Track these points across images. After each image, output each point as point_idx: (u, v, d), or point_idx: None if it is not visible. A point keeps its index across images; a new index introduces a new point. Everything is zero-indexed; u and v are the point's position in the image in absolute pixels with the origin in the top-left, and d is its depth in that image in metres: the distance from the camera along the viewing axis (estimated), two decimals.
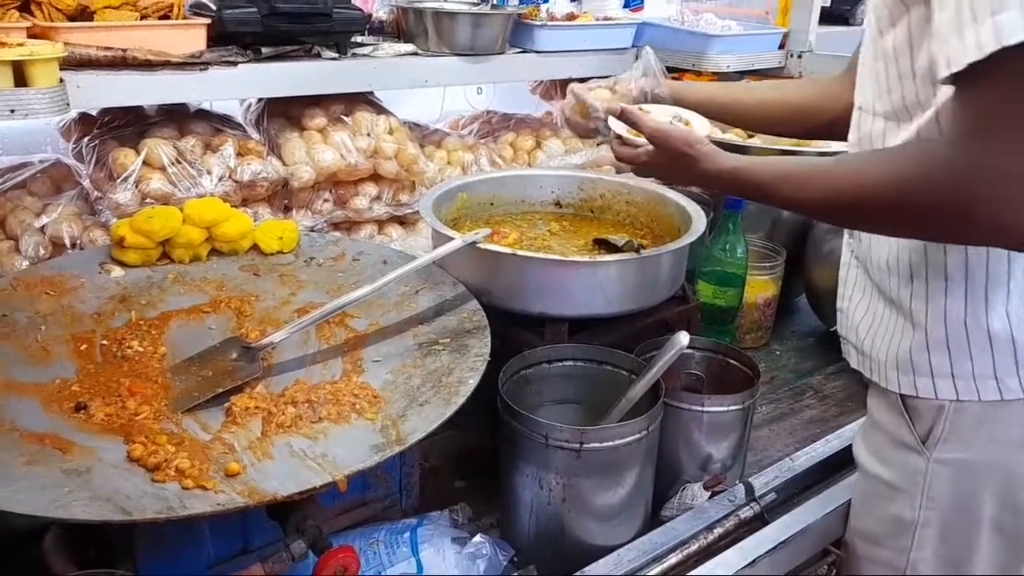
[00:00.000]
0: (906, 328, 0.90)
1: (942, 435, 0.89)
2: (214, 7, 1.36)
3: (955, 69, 0.67)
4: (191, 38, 1.32)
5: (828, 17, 1.87)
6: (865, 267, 0.97)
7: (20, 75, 1.06)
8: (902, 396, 0.92)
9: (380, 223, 1.62)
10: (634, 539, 1.02)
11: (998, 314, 0.85)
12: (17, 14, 1.22)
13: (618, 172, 1.31)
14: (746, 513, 1.06)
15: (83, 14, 1.28)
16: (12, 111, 1.04)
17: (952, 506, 0.92)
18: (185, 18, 1.35)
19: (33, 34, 1.19)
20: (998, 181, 0.68)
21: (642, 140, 1.06)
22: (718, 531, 1.03)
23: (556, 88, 2.10)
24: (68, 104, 1.14)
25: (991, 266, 0.84)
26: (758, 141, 1.74)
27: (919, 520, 0.93)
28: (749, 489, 1.09)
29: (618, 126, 1.11)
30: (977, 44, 0.65)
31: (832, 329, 1.09)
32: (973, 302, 0.86)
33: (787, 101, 1.21)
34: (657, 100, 1.27)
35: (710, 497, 1.09)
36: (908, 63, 0.82)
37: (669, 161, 1.01)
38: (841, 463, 1.22)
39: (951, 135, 0.72)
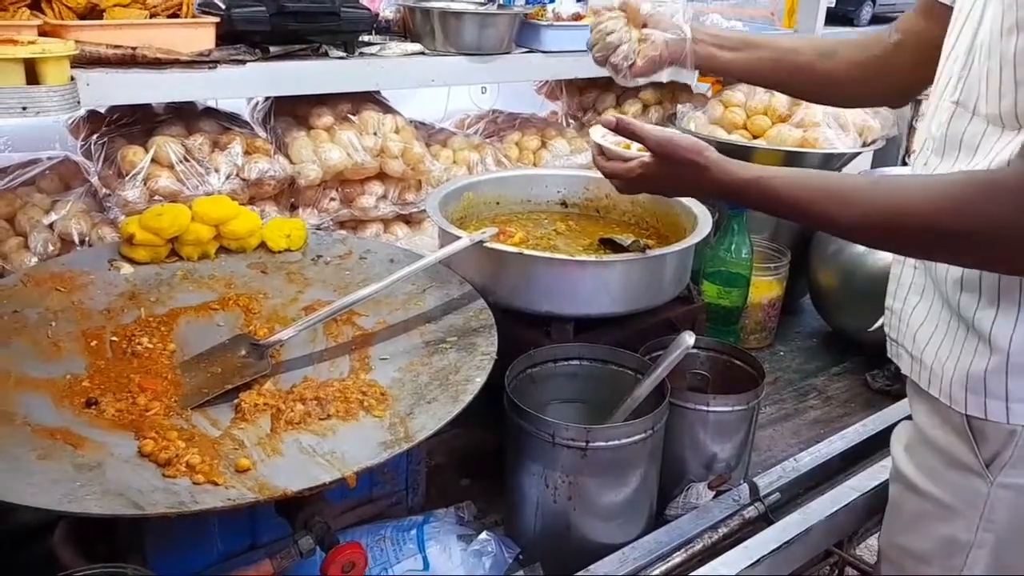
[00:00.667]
0: (981, 348, 0.86)
1: (1010, 460, 0.86)
2: (223, 6, 1.37)
3: None
4: (200, 36, 1.32)
5: (833, 18, 1.88)
6: (931, 277, 0.92)
7: (31, 73, 1.07)
8: (968, 417, 0.88)
9: (386, 222, 1.63)
10: (639, 538, 1.03)
11: None
12: (28, 12, 1.23)
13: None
14: (750, 513, 1.07)
15: (93, 12, 1.28)
16: (24, 108, 1.05)
17: (1010, 528, 0.89)
18: (194, 17, 1.35)
19: (44, 32, 1.20)
20: None
21: (631, 153, 1.00)
22: (722, 530, 1.04)
23: (561, 88, 2.10)
24: (78, 102, 1.14)
25: None
26: (763, 143, 1.75)
27: (975, 542, 0.90)
28: (753, 489, 1.09)
29: (599, 137, 1.04)
30: None
31: (873, 329, 1.01)
32: None
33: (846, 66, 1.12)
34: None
35: (715, 496, 1.09)
36: None
37: (673, 172, 0.96)
38: (844, 464, 1.23)
39: (1020, 163, 0.72)
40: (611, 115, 1.01)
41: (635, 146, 1.01)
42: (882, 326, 1.02)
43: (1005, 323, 0.84)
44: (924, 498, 0.94)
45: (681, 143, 0.95)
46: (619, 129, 0.99)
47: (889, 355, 1.00)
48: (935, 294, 0.91)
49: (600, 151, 1.04)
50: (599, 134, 1.04)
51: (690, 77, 1.36)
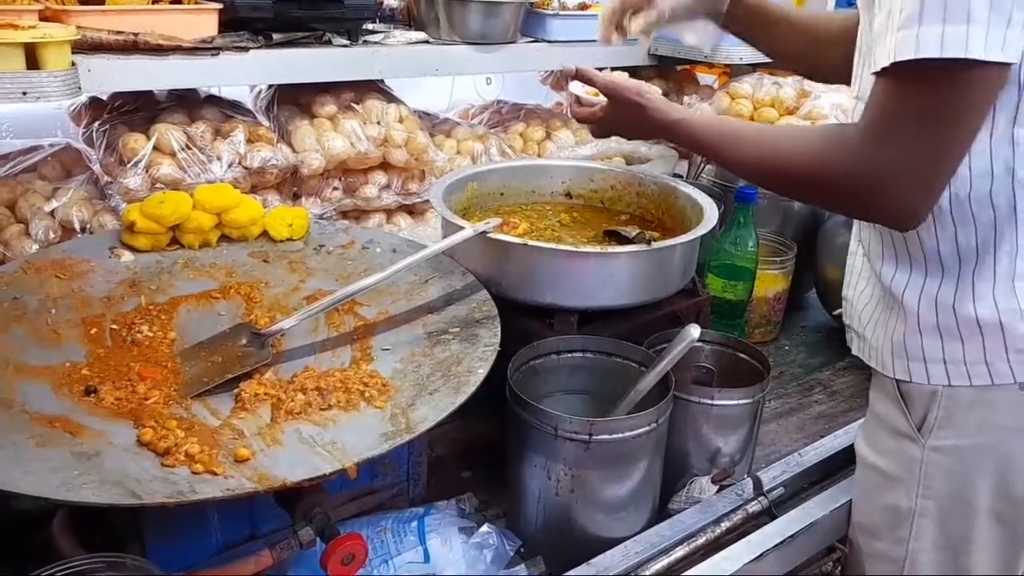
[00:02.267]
0: (900, 313, 0.92)
1: (936, 421, 0.90)
2: None
3: (874, 69, 0.77)
4: (202, 23, 1.31)
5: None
6: (866, 257, 0.99)
7: (32, 58, 1.06)
8: (897, 382, 0.93)
9: (389, 212, 1.62)
10: (641, 531, 1.02)
11: (986, 299, 0.86)
12: None
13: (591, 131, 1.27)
14: (754, 507, 1.06)
15: None
16: (24, 94, 1.04)
17: (948, 494, 0.92)
18: (197, 3, 1.34)
19: (45, 17, 1.19)
20: (885, 175, 0.78)
21: (600, 100, 1.11)
22: (725, 525, 1.03)
23: (566, 78, 2.08)
24: (79, 88, 1.13)
25: (978, 252, 0.86)
26: None
27: (916, 509, 0.94)
28: (757, 483, 1.09)
29: (576, 88, 1.16)
30: (886, 53, 0.74)
31: (836, 313, 1.10)
32: (961, 288, 0.87)
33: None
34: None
35: (718, 491, 1.08)
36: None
37: (621, 112, 1.07)
38: (849, 459, 1.21)
39: (860, 126, 0.80)
40: (571, 64, 1.14)
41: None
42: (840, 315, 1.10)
43: (913, 288, 0.91)
44: (870, 470, 1.00)
45: (624, 84, 1.07)
46: (577, 76, 1.13)
47: (847, 342, 1.06)
48: (873, 275, 0.98)
49: (576, 100, 1.17)
50: (577, 87, 1.17)
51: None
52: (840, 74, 1.14)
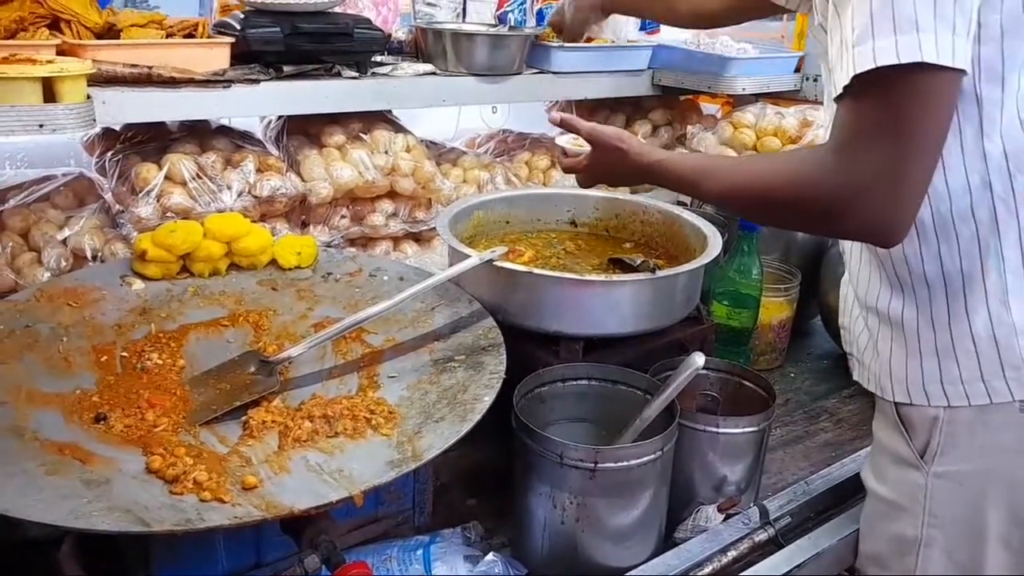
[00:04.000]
0: (896, 336, 0.93)
1: (939, 448, 0.90)
2: (238, 26, 1.38)
3: (836, 94, 0.79)
4: (215, 56, 1.34)
5: None
6: (854, 284, 1.00)
7: (49, 91, 1.08)
8: (897, 407, 0.93)
9: (396, 239, 1.64)
10: (647, 560, 1.01)
11: (979, 316, 0.87)
12: (47, 32, 1.25)
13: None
14: (760, 536, 1.06)
15: (110, 32, 1.31)
16: (41, 126, 1.06)
17: (955, 522, 0.91)
18: (209, 37, 1.37)
19: (62, 51, 1.22)
20: (856, 188, 0.78)
21: (583, 149, 1.16)
22: (732, 554, 1.03)
23: (571, 108, 2.11)
24: (94, 120, 1.16)
25: (965, 268, 0.87)
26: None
27: (922, 539, 0.93)
28: (764, 512, 1.08)
29: (563, 140, 1.22)
30: (846, 72, 0.76)
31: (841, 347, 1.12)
32: (953, 305, 0.88)
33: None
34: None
35: (724, 519, 1.08)
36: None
37: (605, 159, 1.10)
38: (857, 487, 1.21)
39: (830, 145, 0.81)
40: (555, 113, 1.18)
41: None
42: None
43: (907, 308, 0.91)
44: (877, 500, 0.99)
45: (604, 131, 1.11)
46: (562, 125, 1.16)
47: (851, 370, 1.07)
48: (857, 300, 0.99)
49: (563, 152, 1.22)
50: (564, 139, 1.23)
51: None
52: (717, 18, 1.48)
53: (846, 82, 0.76)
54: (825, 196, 0.80)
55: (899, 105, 0.75)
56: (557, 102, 2.13)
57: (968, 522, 0.91)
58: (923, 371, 0.90)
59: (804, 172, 0.83)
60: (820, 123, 1.77)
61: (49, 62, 1.10)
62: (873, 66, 0.73)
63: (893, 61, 0.72)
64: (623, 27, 1.88)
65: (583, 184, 1.20)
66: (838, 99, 0.79)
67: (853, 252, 1.00)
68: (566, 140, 1.21)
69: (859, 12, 0.75)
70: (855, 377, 1.04)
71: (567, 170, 1.20)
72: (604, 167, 1.13)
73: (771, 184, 0.87)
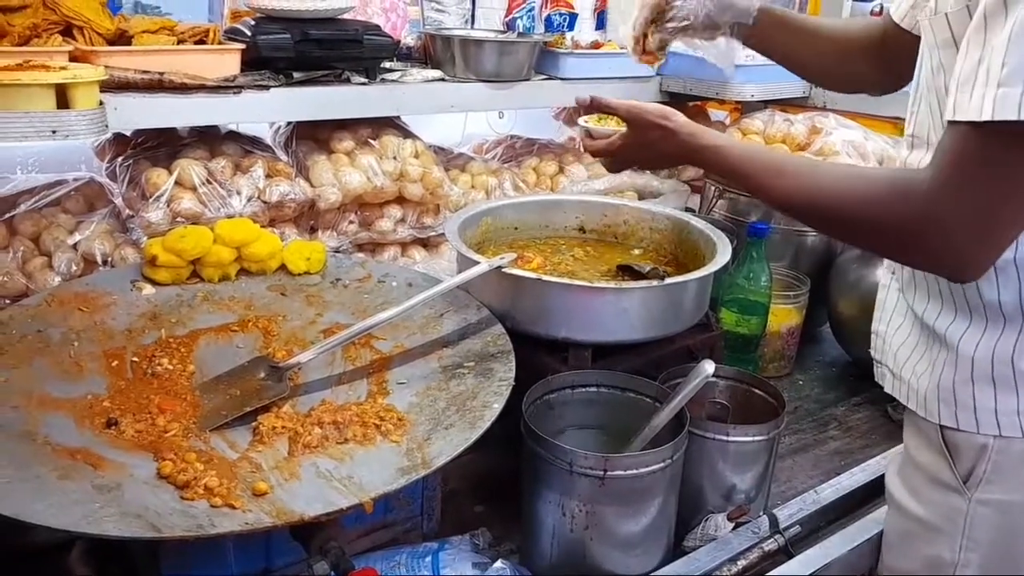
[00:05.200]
0: (950, 359, 0.89)
1: (985, 475, 0.87)
2: (248, 33, 1.39)
3: (956, 118, 0.74)
4: (226, 62, 1.35)
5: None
6: (905, 298, 0.96)
7: (62, 97, 1.09)
8: (942, 429, 0.90)
9: (404, 245, 1.64)
10: (656, 569, 1.01)
11: None
12: (60, 38, 1.26)
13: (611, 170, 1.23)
14: (770, 546, 1.05)
15: (122, 39, 1.32)
16: (54, 132, 1.07)
17: (993, 546, 0.89)
18: (220, 43, 1.38)
19: (74, 57, 1.22)
20: (950, 227, 0.75)
21: (611, 129, 1.08)
22: (741, 563, 1.02)
23: (579, 114, 2.11)
24: (107, 126, 1.17)
25: None
26: None
27: (959, 561, 0.91)
28: (773, 521, 1.08)
29: (584, 121, 1.14)
30: (979, 107, 0.71)
31: (866, 350, 1.08)
32: (1021, 340, 0.85)
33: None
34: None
35: (734, 528, 1.07)
36: None
37: (645, 138, 1.01)
38: (866, 496, 1.21)
39: (933, 171, 0.77)
40: (584, 95, 1.08)
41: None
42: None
43: (971, 334, 0.87)
44: (909, 519, 0.96)
45: (648, 108, 1.01)
46: (593, 105, 1.06)
47: (876, 378, 1.04)
48: (911, 313, 0.95)
49: (587, 133, 1.12)
50: (586, 120, 1.15)
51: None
52: (860, 83, 1.18)
53: (976, 118, 0.71)
54: (915, 227, 0.77)
55: None
56: (565, 108, 2.14)
57: (1007, 547, 0.89)
58: (975, 397, 0.87)
59: (897, 197, 0.79)
60: (829, 130, 1.77)
61: (62, 68, 1.11)
62: (1016, 118, 0.68)
63: None
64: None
65: (612, 168, 1.13)
66: (954, 123, 0.74)
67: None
68: (590, 121, 1.14)
69: (1017, 47, 0.69)
70: (887, 389, 1.00)
71: (595, 153, 1.10)
72: (642, 147, 1.03)
73: (854, 202, 0.82)
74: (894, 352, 0.98)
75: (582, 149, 1.13)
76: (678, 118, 0.99)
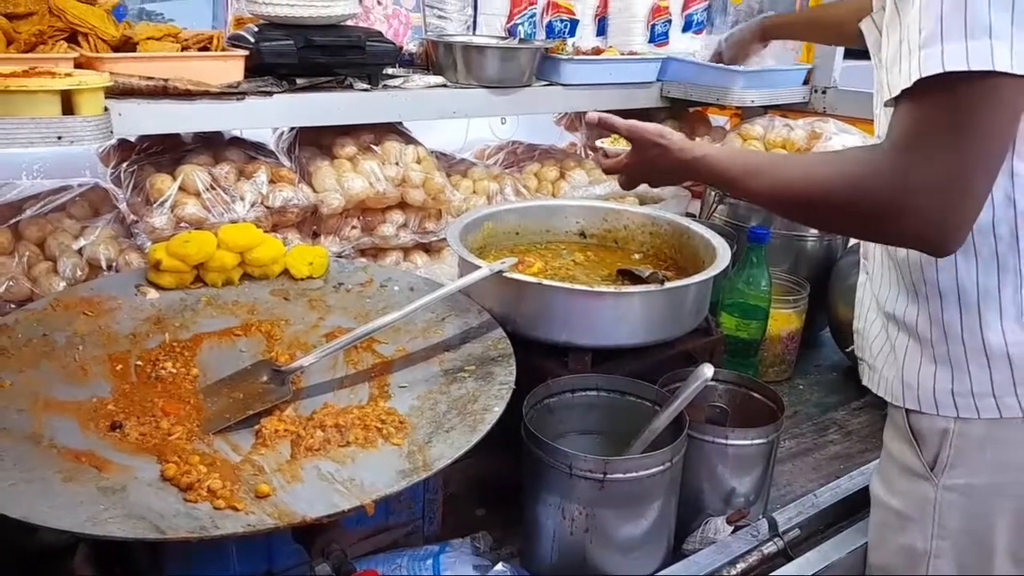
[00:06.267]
0: (911, 343, 0.93)
1: (948, 460, 0.90)
2: (252, 40, 1.40)
3: (893, 95, 0.77)
4: (229, 69, 1.36)
5: (852, 51, 1.89)
6: (871, 289, 1.00)
7: (67, 103, 1.10)
8: (908, 416, 0.93)
9: (406, 250, 1.65)
10: (656, 572, 1.02)
11: (993, 330, 0.87)
12: (65, 45, 1.27)
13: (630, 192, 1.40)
14: (769, 549, 1.06)
15: (127, 45, 1.33)
16: (59, 138, 1.08)
17: (964, 534, 0.91)
18: (224, 50, 1.39)
19: (80, 64, 1.24)
20: (915, 192, 0.76)
21: (623, 149, 1.12)
22: (741, 566, 1.03)
23: (580, 120, 2.13)
24: (111, 132, 1.17)
25: (981, 282, 0.86)
26: None
27: (932, 550, 0.93)
28: (772, 524, 1.08)
29: (603, 142, 1.23)
30: (908, 74, 0.74)
31: (849, 349, 1.11)
32: (968, 318, 0.88)
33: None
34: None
35: (733, 531, 1.08)
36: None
37: (645, 156, 1.06)
38: (865, 500, 1.21)
39: (887, 146, 0.79)
40: (593, 113, 1.12)
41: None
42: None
43: (923, 317, 0.91)
44: (884, 509, 0.99)
45: (646, 127, 1.05)
46: (600, 124, 1.10)
47: (860, 375, 1.06)
48: (876, 303, 0.99)
49: (604, 154, 1.20)
50: (604, 140, 1.25)
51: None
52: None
53: (907, 85, 0.74)
54: (881, 199, 0.78)
55: (965, 111, 0.73)
56: (567, 114, 2.15)
57: (977, 535, 0.91)
58: (935, 379, 0.91)
59: (859, 173, 0.80)
60: (828, 135, 1.78)
61: (67, 75, 1.12)
62: (941, 71, 0.71)
63: (963, 67, 0.71)
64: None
65: (625, 186, 1.15)
66: (896, 100, 0.77)
67: (875, 256, 1.00)
68: (606, 141, 1.19)
69: (927, 14, 0.73)
70: (864, 382, 1.04)
71: (609, 171, 1.15)
72: (645, 165, 1.07)
73: (823, 184, 0.84)
74: (870, 346, 1.01)
75: (596, 165, 1.19)
76: (672, 136, 1.03)
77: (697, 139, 1.98)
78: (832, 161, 0.88)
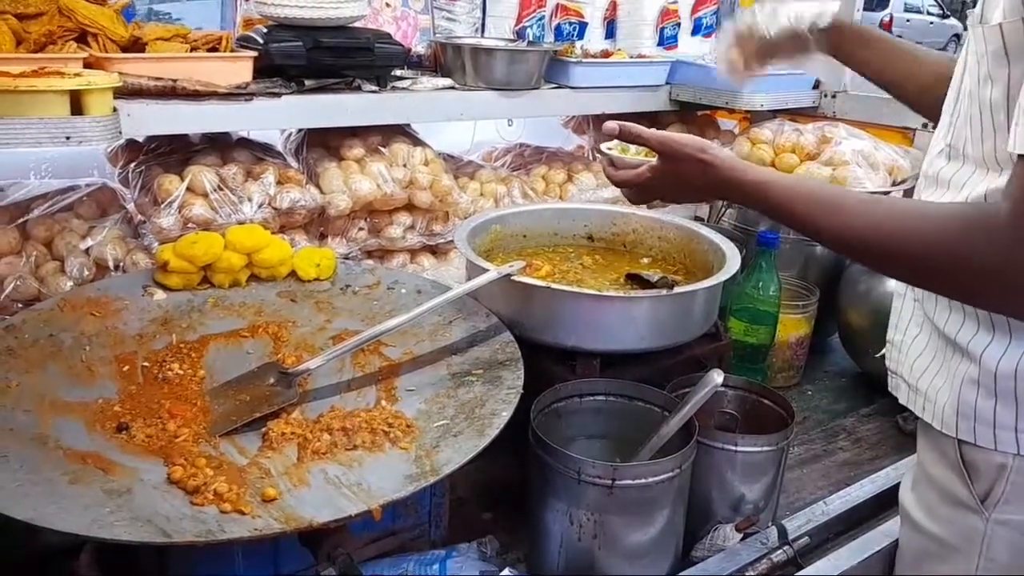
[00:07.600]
0: (971, 373, 0.86)
1: (1003, 496, 0.86)
2: (261, 41, 1.40)
3: (1020, 151, 0.69)
4: (238, 70, 1.36)
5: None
6: (923, 308, 0.93)
7: (76, 103, 1.10)
8: (960, 445, 0.88)
9: (413, 252, 1.65)
10: None
11: None
12: (75, 45, 1.27)
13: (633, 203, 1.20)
14: (779, 557, 1.05)
15: (136, 46, 1.33)
16: (68, 138, 1.08)
17: (1012, 566, 0.88)
18: (233, 51, 1.39)
19: (89, 64, 1.24)
20: None
21: (637, 160, 1.02)
22: (750, 574, 1.02)
23: (588, 122, 2.12)
24: (120, 132, 1.17)
25: None
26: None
27: None
28: (782, 532, 1.07)
29: (608, 149, 1.09)
30: None
31: (879, 355, 1.05)
32: None
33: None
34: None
35: (742, 539, 1.07)
36: (1004, 117, 0.80)
37: (678, 171, 0.95)
38: (876, 508, 1.20)
39: (1011, 204, 0.71)
40: (611, 123, 1.00)
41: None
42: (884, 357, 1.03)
43: (994, 348, 0.84)
44: (925, 536, 0.94)
45: (682, 140, 0.95)
46: (622, 134, 0.99)
47: (890, 388, 1.01)
48: (931, 325, 0.92)
49: (610, 162, 1.05)
50: (609, 147, 1.10)
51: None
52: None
53: None
54: (991, 265, 0.71)
55: None
56: (574, 116, 2.14)
57: None
58: (995, 414, 0.85)
59: (977, 237, 0.72)
60: (838, 140, 1.77)
61: (76, 75, 1.11)
62: None
63: None
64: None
65: (635, 200, 1.07)
66: (1020, 157, 0.70)
67: None
68: (613, 149, 1.10)
69: None
70: (903, 401, 0.97)
71: (620, 183, 1.04)
72: (675, 180, 0.97)
73: (923, 237, 0.76)
74: (911, 363, 0.95)
75: (606, 176, 1.07)
76: (719, 152, 0.93)
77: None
78: (940, 215, 0.78)
